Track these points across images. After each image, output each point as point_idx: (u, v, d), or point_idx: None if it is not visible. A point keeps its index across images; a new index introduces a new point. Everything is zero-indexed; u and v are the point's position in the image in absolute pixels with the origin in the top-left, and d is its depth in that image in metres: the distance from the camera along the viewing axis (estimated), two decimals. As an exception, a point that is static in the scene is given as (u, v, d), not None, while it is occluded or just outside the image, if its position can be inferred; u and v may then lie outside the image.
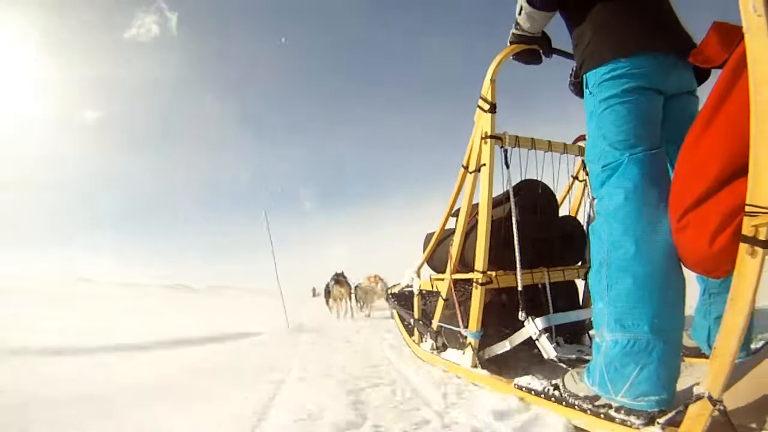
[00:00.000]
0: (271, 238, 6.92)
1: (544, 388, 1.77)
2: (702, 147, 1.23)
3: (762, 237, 1.04)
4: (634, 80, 1.55)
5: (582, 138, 2.62)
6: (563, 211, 2.77)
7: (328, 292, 9.27)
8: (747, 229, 1.07)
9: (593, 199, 2.28)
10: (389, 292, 3.66)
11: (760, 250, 1.05)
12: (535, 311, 2.14)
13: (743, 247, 1.08)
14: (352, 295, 8.22)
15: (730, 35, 1.21)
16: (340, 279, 8.21)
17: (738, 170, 1.13)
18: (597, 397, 1.51)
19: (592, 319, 1.64)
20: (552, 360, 1.97)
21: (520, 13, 1.99)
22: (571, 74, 2.17)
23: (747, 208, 1.07)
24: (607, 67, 1.59)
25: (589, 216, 2.53)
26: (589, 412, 1.51)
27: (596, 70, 1.64)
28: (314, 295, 34.87)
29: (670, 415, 1.30)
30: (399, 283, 3.56)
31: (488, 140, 2.21)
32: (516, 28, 2.11)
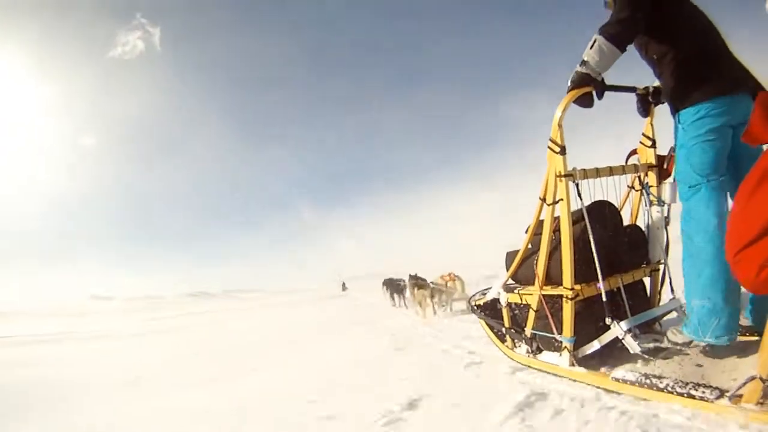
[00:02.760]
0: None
1: (637, 378, 2.37)
2: (755, 200, 1.71)
3: None
4: (716, 120, 2.36)
5: (633, 152, 3.13)
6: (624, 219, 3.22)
7: (396, 291, 10.97)
8: None
9: (650, 206, 3.01)
10: (473, 303, 4.05)
11: None
12: (615, 312, 2.66)
13: None
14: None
15: None
16: (419, 282, 8.54)
17: None
18: (690, 342, 2.54)
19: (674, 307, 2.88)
20: (636, 353, 2.55)
21: (592, 47, 2.48)
22: (641, 93, 2.92)
23: None
24: (696, 108, 2.40)
25: (648, 221, 3.06)
26: (675, 393, 2.16)
27: (687, 111, 2.45)
28: (343, 289, 35.99)
29: (733, 390, 1.97)
30: (481, 297, 3.98)
31: (562, 179, 2.67)
32: (581, 66, 2.55)
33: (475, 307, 3.98)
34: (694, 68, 2.46)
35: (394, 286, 11.39)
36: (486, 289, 3.99)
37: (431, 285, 8.43)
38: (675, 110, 2.55)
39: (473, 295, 4.31)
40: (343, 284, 38.04)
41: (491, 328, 3.80)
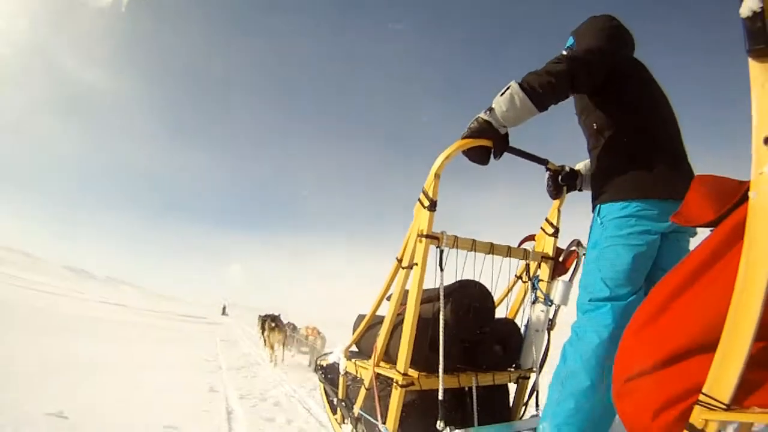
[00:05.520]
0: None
1: None
2: (667, 313, 1.24)
3: None
4: (645, 224, 1.91)
5: (529, 238, 2.75)
6: (501, 313, 2.80)
7: (263, 329, 10.31)
8: (696, 420, 1.09)
9: (534, 302, 2.58)
10: (318, 362, 3.71)
11: None
12: (459, 416, 2.25)
13: None
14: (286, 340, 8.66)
15: (719, 194, 1.22)
16: (276, 325, 8.49)
17: (696, 348, 1.14)
18: None
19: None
20: None
21: (503, 94, 2.00)
22: (553, 170, 2.55)
23: (701, 397, 1.09)
24: (622, 204, 1.96)
25: (528, 320, 2.64)
26: None
27: (611, 204, 2.00)
28: (223, 313, 34.36)
29: None
30: (327, 356, 3.63)
31: (423, 239, 2.21)
32: (486, 113, 2.09)
33: (319, 367, 3.62)
34: (641, 155, 2.01)
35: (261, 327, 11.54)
36: (335, 349, 3.54)
37: (289, 332, 8.66)
38: (596, 199, 2.13)
39: (323, 354, 4.00)
40: (224, 308, 36.49)
41: (327, 395, 3.40)
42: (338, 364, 3.08)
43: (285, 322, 9.13)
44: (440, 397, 2.12)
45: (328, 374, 3.45)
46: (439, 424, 2.11)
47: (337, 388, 3.09)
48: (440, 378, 2.13)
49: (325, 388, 3.44)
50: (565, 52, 2.45)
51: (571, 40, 2.54)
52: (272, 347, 8.11)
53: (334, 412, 3.20)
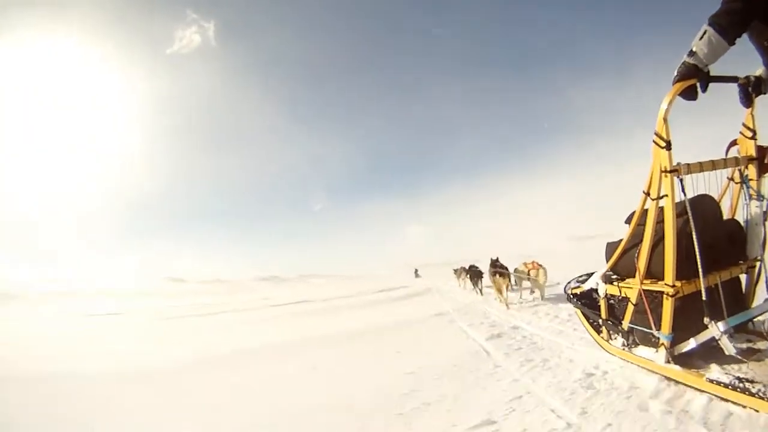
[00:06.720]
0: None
1: (730, 381, 2.45)
2: None
3: None
4: None
5: (733, 143, 3.13)
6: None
7: (475, 276, 11.48)
8: None
9: (750, 200, 3.02)
10: (569, 292, 4.14)
11: None
12: (712, 311, 2.71)
13: None
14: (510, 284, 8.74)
15: None
16: (499, 270, 8.68)
17: None
18: None
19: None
20: (731, 355, 2.60)
21: (701, 38, 2.51)
22: (743, 83, 2.87)
23: None
24: None
25: (747, 216, 3.05)
26: (765, 399, 2.24)
27: None
28: (416, 275, 35.89)
29: None
30: (578, 286, 4.03)
31: (668, 174, 2.71)
32: (689, 56, 2.59)
33: (571, 296, 4.08)
34: None
35: (474, 273, 12.00)
36: (581, 277, 4.08)
37: (510, 272, 8.61)
38: None
39: (569, 283, 4.36)
40: (416, 271, 38.07)
41: (587, 318, 3.90)
42: (595, 290, 3.55)
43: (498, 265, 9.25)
44: (704, 298, 2.66)
45: (582, 300, 3.91)
46: (707, 320, 2.67)
47: (598, 311, 3.59)
48: (701, 282, 2.66)
49: (583, 313, 3.93)
50: None
51: None
52: (500, 291, 8.53)
53: (599, 332, 3.70)
